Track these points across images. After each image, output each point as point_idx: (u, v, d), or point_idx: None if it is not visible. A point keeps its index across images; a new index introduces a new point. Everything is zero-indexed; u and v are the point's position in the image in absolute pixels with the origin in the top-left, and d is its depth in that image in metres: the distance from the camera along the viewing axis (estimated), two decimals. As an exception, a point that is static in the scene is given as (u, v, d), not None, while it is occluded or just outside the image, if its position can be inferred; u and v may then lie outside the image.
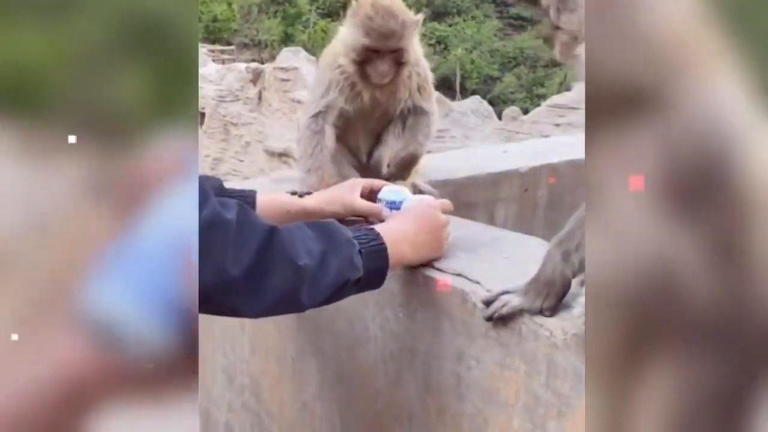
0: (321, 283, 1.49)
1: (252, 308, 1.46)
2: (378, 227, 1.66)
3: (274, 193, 2.09)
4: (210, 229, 1.33)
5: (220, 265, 1.37)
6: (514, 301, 1.46)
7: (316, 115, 2.23)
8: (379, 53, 2.11)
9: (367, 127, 2.31)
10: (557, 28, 1.48)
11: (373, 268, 1.57)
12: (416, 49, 2.21)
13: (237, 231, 1.40)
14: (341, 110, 2.23)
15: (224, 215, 1.40)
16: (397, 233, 1.66)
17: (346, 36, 2.16)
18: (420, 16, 2.20)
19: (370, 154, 2.33)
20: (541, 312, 1.43)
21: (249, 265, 1.40)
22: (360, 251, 1.56)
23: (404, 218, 1.76)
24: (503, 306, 1.47)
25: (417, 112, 2.26)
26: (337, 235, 1.56)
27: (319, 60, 2.43)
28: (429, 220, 1.73)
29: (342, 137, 2.28)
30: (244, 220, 1.43)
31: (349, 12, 2.17)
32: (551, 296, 1.42)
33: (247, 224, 1.43)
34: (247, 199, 1.91)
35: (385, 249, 1.59)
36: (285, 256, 1.45)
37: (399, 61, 2.14)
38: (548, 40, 1.50)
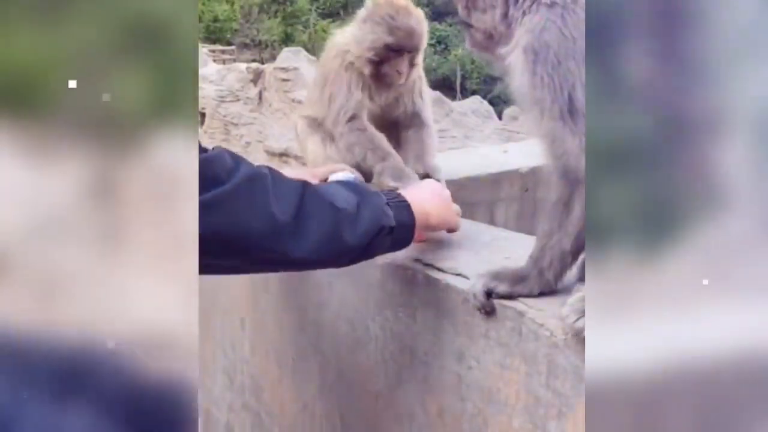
0: (360, 225, 1.56)
1: (300, 249, 1.51)
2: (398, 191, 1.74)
3: None
4: (252, 182, 1.44)
5: (268, 212, 1.45)
6: (477, 284, 1.52)
7: (351, 119, 2.18)
8: (400, 52, 2.10)
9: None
10: (468, 25, 1.48)
11: (401, 219, 1.65)
12: None
13: (274, 183, 1.49)
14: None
15: (261, 169, 1.50)
16: (417, 195, 1.73)
17: (360, 36, 2.12)
18: None
19: None
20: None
21: (295, 209, 1.49)
22: (387, 204, 1.65)
23: (417, 187, 1.84)
24: (474, 295, 1.52)
25: (418, 122, 2.24)
26: (365, 189, 1.67)
27: (321, 61, 2.39)
28: (438, 188, 1.83)
29: None
30: (278, 175, 1.53)
31: (362, 13, 2.14)
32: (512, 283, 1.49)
33: (282, 178, 1.53)
34: None
35: (408, 205, 1.67)
36: (325, 201, 1.55)
37: (412, 62, 2.13)
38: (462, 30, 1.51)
